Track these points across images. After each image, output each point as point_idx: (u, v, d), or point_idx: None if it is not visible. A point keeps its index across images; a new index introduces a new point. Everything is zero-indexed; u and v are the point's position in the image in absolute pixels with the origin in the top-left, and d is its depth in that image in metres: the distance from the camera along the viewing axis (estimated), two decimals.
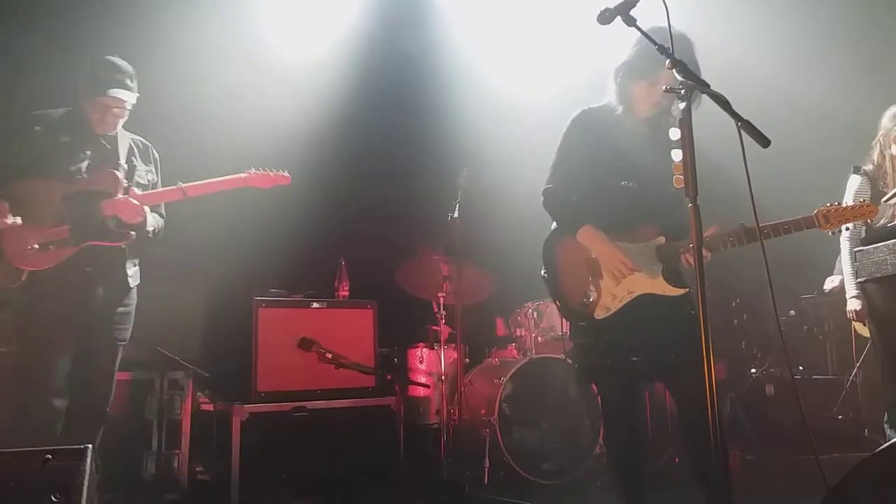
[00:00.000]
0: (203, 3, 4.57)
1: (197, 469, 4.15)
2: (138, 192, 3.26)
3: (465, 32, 5.55)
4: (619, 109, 2.81)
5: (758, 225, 2.32)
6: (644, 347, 2.68)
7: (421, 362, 4.85)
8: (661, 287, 2.72)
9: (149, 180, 3.41)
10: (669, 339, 2.63)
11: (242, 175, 3.45)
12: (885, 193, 3.55)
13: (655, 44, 2.23)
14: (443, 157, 5.32)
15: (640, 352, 2.68)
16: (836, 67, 4.99)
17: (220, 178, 3.41)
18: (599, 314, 2.73)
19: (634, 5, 2.27)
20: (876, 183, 3.62)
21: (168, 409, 3.96)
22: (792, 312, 5.57)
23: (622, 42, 2.79)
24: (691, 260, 2.46)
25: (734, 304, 5.68)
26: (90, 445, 2.22)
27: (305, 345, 3.57)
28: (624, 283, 2.72)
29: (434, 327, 4.80)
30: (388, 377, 4.34)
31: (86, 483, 2.14)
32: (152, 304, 3.57)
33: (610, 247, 2.72)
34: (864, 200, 3.38)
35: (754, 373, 5.24)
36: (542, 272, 2.91)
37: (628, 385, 2.82)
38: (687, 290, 2.72)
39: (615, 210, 2.77)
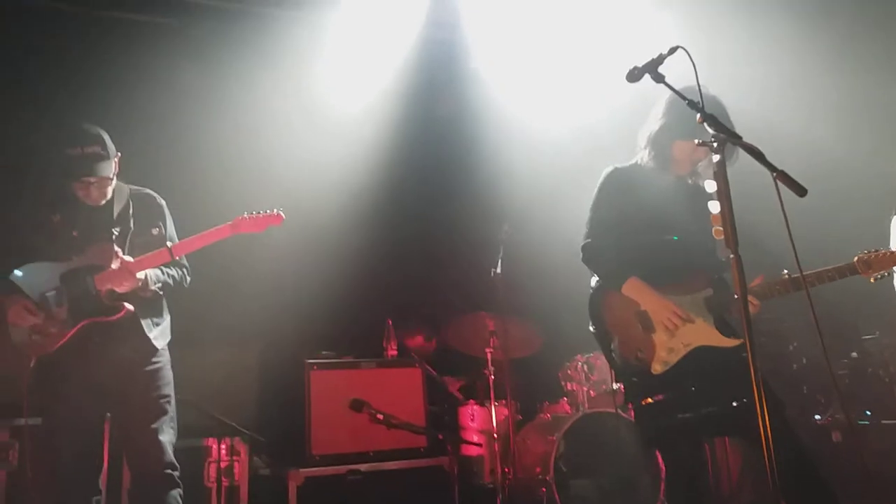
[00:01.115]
0: (254, 56, 4.79)
1: None
2: (129, 258, 3.11)
3: (499, 90, 5.66)
4: (653, 167, 2.84)
5: (802, 274, 2.30)
6: (712, 399, 2.63)
7: (472, 420, 4.82)
8: (716, 339, 2.68)
9: (153, 235, 3.24)
10: (733, 387, 2.57)
11: (230, 223, 3.20)
12: None
13: (685, 99, 2.27)
14: (484, 213, 5.39)
15: (709, 404, 2.63)
16: (867, 116, 4.92)
17: (206, 231, 3.17)
18: (657, 368, 2.68)
19: (662, 63, 2.32)
20: None
21: (226, 474, 4.01)
22: (854, 354, 5.35)
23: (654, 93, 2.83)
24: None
25: (791, 348, 5.49)
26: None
27: (357, 406, 3.59)
28: (678, 335, 2.69)
29: (482, 384, 4.79)
30: (440, 437, 4.32)
31: None
32: (207, 368, 3.63)
33: (659, 298, 2.70)
34: None
35: (819, 419, 5.04)
36: (591, 327, 2.89)
37: (695, 441, 2.77)
38: (741, 341, 2.65)
39: (659, 263, 2.76)
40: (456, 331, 4.92)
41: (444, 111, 5.65)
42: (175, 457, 3.10)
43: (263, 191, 4.63)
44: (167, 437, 3.09)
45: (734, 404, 2.59)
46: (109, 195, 3.18)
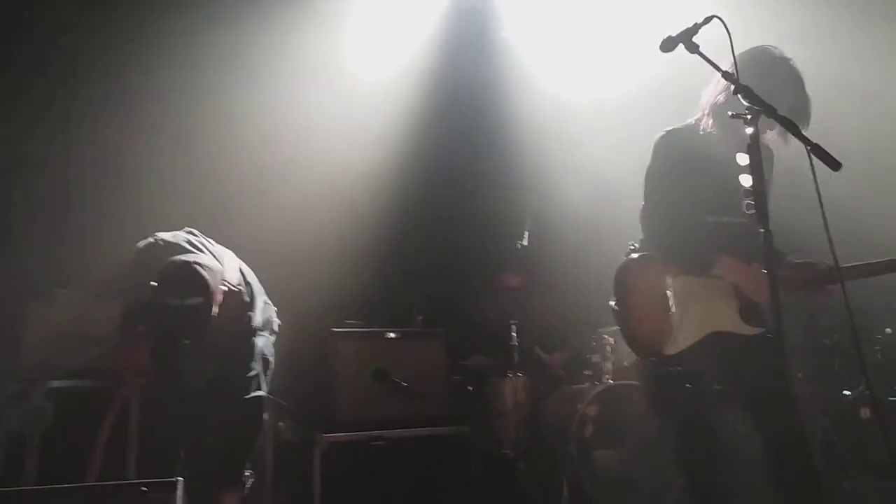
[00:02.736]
0: (288, 20, 4.75)
1: (281, 498, 4.26)
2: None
3: (530, 58, 5.58)
4: (716, 134, 2.62)
5: (837, 263, 2.16)
6: (723, 378, 2.57)
7: (496, 390, 4.84)
8: (736, 324, 2.59)
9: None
10: (748, 370, 2.53)
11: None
12: None
13: (719, 70, 2.20)
14: (513, 184, 5.34)
15: (719, 382, 2.57)
16: None
17: None
18: (670, 350, 2.61)
19: (697, 32, 2.26)
20: None
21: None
22: (888, 330, 5.26)
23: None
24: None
25: (826, 322, 5.40)
26: (181, 479, 2.35)
27: (378, 375, 3.64)
28: (697, 318, 2.60)
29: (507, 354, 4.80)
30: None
31: None
32: None
33: (755, 271, 2.48)
34: None
35: (848, 394, 4.97)
36: (612, 302, 2.82)
37: (707, 415, 2.74)
38: (764, 329, 2.57)
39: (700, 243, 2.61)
40: (481, 301, 4.92)
41: (474, 77, 5.54)
42: None
43: (294, 159, 4.66)
44: None
45: (752, 384, 2.53)
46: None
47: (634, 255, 2.79)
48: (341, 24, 4.87)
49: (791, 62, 2.62)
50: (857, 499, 4.24)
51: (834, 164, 1.91)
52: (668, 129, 2.76)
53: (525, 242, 4.52)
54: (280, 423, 4.27)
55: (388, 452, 4.04)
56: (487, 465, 4.35)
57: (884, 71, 4.51)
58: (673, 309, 2.63)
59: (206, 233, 3.40)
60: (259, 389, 3.16)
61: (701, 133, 2.66)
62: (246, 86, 4.57)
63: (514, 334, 4.72)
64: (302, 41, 4.74)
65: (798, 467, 2.53)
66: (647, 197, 2.70)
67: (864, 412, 4.75)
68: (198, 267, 2.79)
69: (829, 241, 2.03)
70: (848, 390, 5.04)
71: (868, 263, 2.49)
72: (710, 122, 2.64)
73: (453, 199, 5.56)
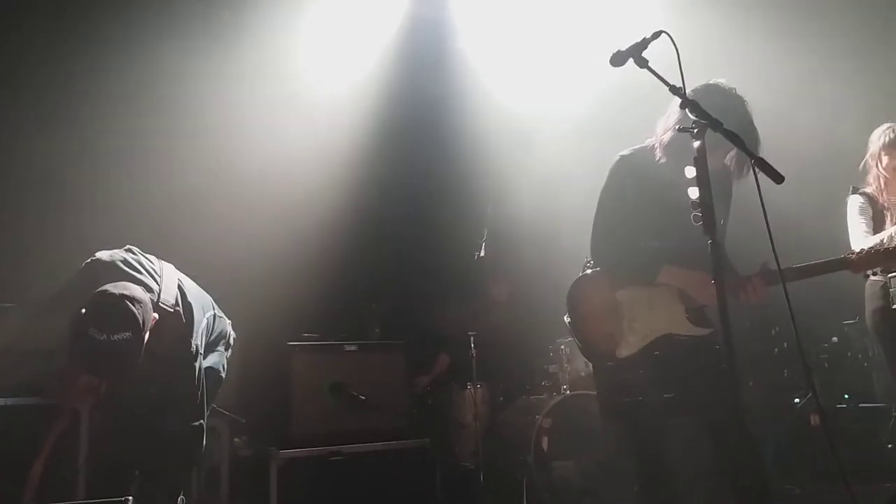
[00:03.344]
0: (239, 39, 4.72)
1: None
2: None
3: (486, 70, 5.62)
4: (662, 159, 2.70)
5: (779, 266, 2.28)
6: (673, 384, 2.65)
7: (455, 402, 4.84)
8: (685, 327, 2.69)
9: None
10: (696, 376, 2.60)
11: None
12: (886, 212, 3.54)
13: (667, 84, 2.25)
14: (469, 195, 5.37)
15: (668, 390, 2.65)
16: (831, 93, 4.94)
17: None
18: (622, 353, 2.70)
19: (646, 47, 2.30)
20: (875, 201, 3.60)
21: (206, 455, 4.01)
22: (835, 339, 5.41)
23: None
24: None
25: (774, 331, 5.54)
26: (130, 498, 2.28)
27: (335, 390, 3.61)
28: (647, 323, 2.70)
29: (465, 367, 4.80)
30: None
31: None
32: None
33: (700, 274, 2.58)
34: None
35: (798, 402, 5.10)
36: (566, 318, 2.88)
37: (654, 421, 2.78)
38: (711, 329, 2.69)
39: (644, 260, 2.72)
40: (439, 313, 4.92)
41: (428, 90, 5.57)
42: None
43: (245, 174, 4.61)
44: None
45: (700, 392, 2.61)
46: None
47: (588, 272, 2.89)
48: (296, 37, 4.84)
49: (737, 92, 2.69)
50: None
51: (777, 178, 1.97)
52: (623, 152, 2.84)
53: (482, 254, 4.53)
54: (236, 439, 4.20)
55: (347, 467, 4.00)
56: (447, 477, 4.33)
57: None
58: (624, 316, 2.73)
59: (157, 245, 3.32)
60: (200, 418, 3.07)
61: (655, 158, 2.73)
62: (199, 99, 4.50)
63: (472, 345, 4.73)
64: (256, 54, 4.71)
65: (748, 473, 2.59)
66: (594, 219, 2.82)
67: (814, 419, 4.88)
68: (127, 302, 2.72)
69: (773, 246, 2.10)
70: (798, 398, 5.18)
71: (809, 264, 2.59)
72: (663, 147, 2.71)
73: (409, 211, 5.57)
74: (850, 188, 3.71)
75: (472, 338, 4.72)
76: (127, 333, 2.66)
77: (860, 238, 3.48)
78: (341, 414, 4.01)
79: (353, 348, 4.32)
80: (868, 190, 3.65)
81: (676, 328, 2.69)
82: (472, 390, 4.62)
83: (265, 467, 3.88)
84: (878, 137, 3.65)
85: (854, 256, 2.63)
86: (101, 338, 2.63)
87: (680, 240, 2.60)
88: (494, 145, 5.45)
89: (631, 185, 2.75)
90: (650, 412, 2.69)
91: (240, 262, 4.16)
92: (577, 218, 3.11)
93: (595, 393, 4.37)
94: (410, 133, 5.54)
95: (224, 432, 4.08)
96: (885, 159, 3.58)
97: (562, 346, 4.86)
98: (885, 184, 3.57)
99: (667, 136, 2.68)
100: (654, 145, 2.76)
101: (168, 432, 2.97)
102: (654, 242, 2.70)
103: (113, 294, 2.72)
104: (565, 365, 4.82)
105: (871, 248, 2.67)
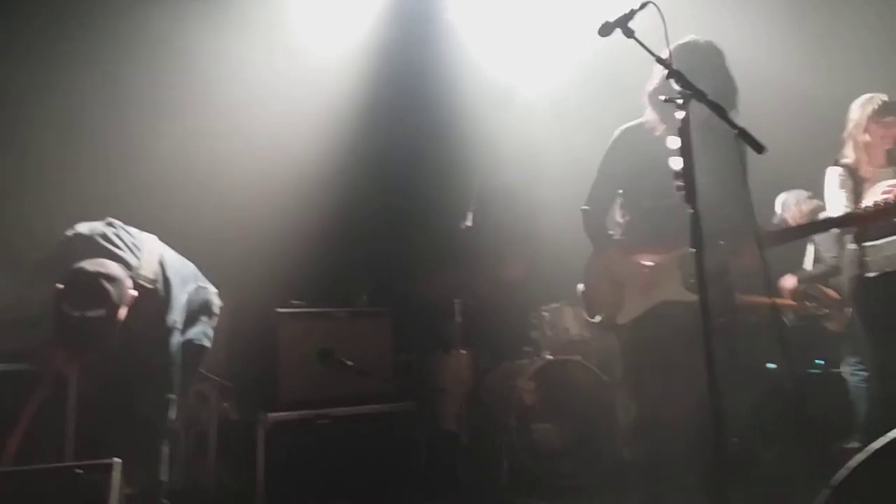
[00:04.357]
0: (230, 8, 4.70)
1: (225, 478, 4.25)
2: None
3: (474, 40, 5.61)
4: (661, 129, 2.85)
5: (757, 232, 2.39)
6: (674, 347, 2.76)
7: (439, 367, 4.92)
8: (680, 293, 2.81)
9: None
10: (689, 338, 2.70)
11: None
12: (865, 182, 3.55)
13: (653, 55, 2.29)
14: (457, 165, 5.39)
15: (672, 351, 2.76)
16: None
17: None
18: (621, 319, 2.92)
19: (633, 18, 2.34)
20: (855, 173, 3.60)
21: (194, 419, 4.07)
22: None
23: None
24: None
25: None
26: (118, 460, 2.32)
27: (323, 356, 3.67)
28: (648, 291, 2.88)
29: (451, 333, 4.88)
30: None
31: (113, 497, 2.23)
32: None
33: (631, 266, 2.91)
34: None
35: (772, 367, 5.24)
36: (580, 287, 3.12)
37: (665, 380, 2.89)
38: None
39: (655, 227, 2.89)
40: (425, 280, 4.98)
41: (419, 60, 5.55)
42: None
43: (235, 139, 4.59)
44: None
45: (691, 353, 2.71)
46: None
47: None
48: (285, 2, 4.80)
49: (714, 44, 2.82)
50: (780, 464, 4.51)
51: (758, 147, 2.03)
52: (624, 126, 3.04)
53: (469, 223, 4.57)
54: (224, 404, 4.25)
55: (333, 430, 4.07)
56: (431, 440, 4.43)
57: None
58: (626, 288, 2.93)
59: (142, 213, 3.32)
60: (170, 391, 3.09)
61: (648, 129, 2.90)
62: (184, 61, 4.46)
63: (457, 312, 4.79)
64: (246, 20, 4.67)
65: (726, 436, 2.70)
66: (591, 187, 3.11)
67: (788, 383, 5.02)
68: (102, 281, 2.72)
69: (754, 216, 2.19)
70: (772, 363, 5.31)
71: (792, 227, 2.68)
72: (652, 113, 2.89)
73: (397, 180, 5.57)
74: (833, 161, 3.71)
75: (456, 305, 4.79)
76: (101, 311, 2.68)
77: (841, 212, 3.47)
78: (329, 379, 4.07)
79: (340, 315, 4.37)
80: (847, 161, 3.63)
81: (673, 295, 2.83)
82: (456, 355, 4.70)
83: (253, 431, 3.94)
84: (861, 107, 3.64)
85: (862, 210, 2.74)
86: (76, 314, 2.64)
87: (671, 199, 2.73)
88: (482, 115, 5.46)
89: (623, 154, 2.99)
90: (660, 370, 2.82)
91: (228, 229, 4.17)
92: (558, 187, 3.23)
93: (576, 358, 4.57)
94: (398, 102, 5.52)
95: (213, 397, 4.14)
96: (872, 127, 3.57)
97: (545, 314, 4.95)
98: (869, 154, 3.58)
99: (649, 96, 2.86)
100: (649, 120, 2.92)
101: (139, 405, 3.00)
102: (644, 202, 2.92)
103: (88, 272, 2.72)
104: (547, 332, 4.92)
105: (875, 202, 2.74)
